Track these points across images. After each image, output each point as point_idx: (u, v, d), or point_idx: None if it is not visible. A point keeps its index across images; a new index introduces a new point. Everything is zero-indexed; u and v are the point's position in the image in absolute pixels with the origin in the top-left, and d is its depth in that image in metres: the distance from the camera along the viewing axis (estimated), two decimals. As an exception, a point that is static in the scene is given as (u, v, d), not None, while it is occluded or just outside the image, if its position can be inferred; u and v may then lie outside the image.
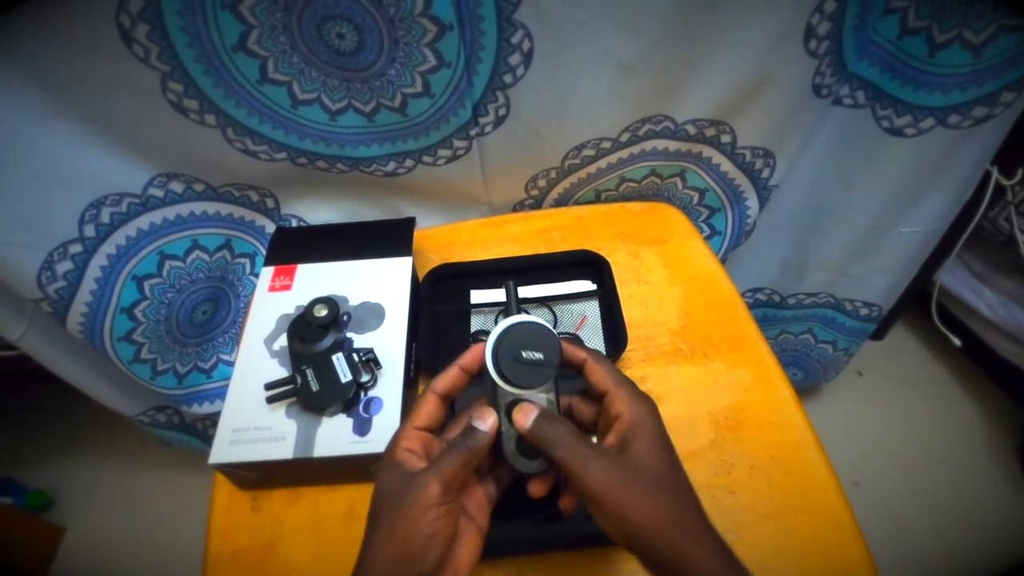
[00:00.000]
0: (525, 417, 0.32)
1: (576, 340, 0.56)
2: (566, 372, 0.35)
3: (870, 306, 0.85)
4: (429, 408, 0.34)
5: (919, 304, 0.99)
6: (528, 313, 0.36)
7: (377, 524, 0.31)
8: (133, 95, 0.48)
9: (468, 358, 0.35)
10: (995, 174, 0.71)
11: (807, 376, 1.03)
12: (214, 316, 0.68)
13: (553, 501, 0.35)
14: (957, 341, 0.96)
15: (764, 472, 0.48)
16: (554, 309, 0.59)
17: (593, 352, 0.35)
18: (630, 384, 0.34)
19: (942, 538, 0.97)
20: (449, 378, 0.35)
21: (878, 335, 0.95)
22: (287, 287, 0.55)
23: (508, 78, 0.53)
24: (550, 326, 0.35)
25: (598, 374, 0.34)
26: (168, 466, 1.08)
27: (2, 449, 1.15)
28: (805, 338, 0.95)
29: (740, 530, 0.45)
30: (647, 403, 0.33)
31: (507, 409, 0.34)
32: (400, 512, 0.30)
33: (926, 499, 1.01)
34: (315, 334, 0.49)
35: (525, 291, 0.60)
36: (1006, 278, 0.92)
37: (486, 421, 0.33)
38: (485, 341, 0.35)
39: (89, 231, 0.53)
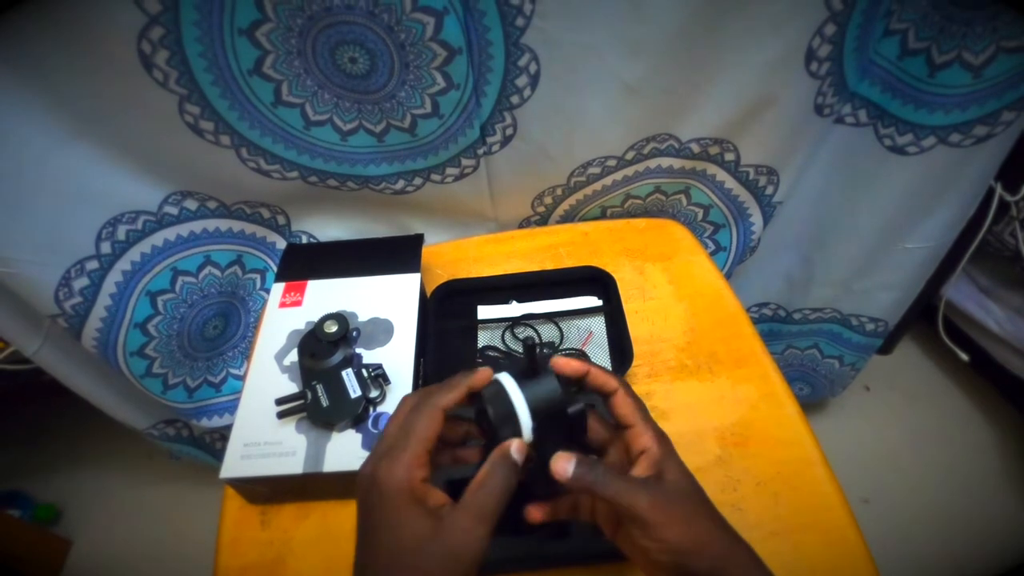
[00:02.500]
0: (564, 468, 0.32)
1: (582, 356, 0.57)
2: (570, 389, 0.35)
3: (876, 321, 0.85)
4: (437, 427, 0.32)
5: (926, 319, 0.99)
6: (550, 373, 0.33)
7: (400, 567, 0.28)
8: (151, 117, 0.50)
9: (478, 379, 0.34)
10: (999, 190, 0.71)
11: (814, 391, 1.02)
12: (225, 331, 0.69)
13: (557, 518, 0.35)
14: (964, 356, 0.96)
15: (771, 489, 0.48)
16: (560, 325, 0.60)
17: (624, 383, 0.35)
18: (651, 417, 0.35)
19: (951, 555, 0.96)
20: (456, 397, 0.34)
21: (885, 350, 0.95)
22: (297, 303, 0.56)
23: (515, 99, 0.54)
24: (522, 406, 0.32)
25: (627, 407, 0.34)
26: (176, 479, 1.09)
27: (11, 462, 1.16)
28: (811, 353, 0.95)
29: (747, 547, 0.45)
30: (666, 436, 0.34)
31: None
32: (438, 563, 0.28)
33: (935, 515, 1.00)
34: (325, 350, 0.50)
35: (531, 307, 0.60)
36: (1013, 293, 0.92)
37: (521, 452, 0.32)
38: (493, 357, 0.34)
39: (105, 248, 0.54)
